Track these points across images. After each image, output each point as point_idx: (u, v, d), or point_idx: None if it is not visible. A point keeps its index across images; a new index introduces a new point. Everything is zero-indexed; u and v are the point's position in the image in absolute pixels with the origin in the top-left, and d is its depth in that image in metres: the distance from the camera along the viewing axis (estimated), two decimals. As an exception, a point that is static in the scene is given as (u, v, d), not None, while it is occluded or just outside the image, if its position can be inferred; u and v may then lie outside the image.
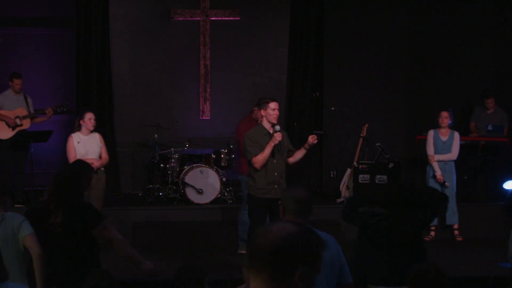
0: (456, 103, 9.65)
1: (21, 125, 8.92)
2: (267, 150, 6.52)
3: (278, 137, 6.50)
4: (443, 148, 8.64)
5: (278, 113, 6.64)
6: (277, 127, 6.57)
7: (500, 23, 10.70)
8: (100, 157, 7.71)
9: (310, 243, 1.96)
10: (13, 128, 8.88)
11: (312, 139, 6.61)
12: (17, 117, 8.90)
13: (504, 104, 9.92)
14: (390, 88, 10.88)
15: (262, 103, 6.74)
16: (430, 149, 8.68)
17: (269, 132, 6.62)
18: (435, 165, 8.62)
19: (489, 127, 9.56)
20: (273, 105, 6.61)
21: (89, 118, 7.60)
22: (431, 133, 8.71)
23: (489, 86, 10.19)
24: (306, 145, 6.69)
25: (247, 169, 7.59)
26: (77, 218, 4.53)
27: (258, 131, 6.70)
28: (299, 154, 6.78)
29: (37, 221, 4.45)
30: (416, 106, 10.87)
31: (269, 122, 6.63)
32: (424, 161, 9.39)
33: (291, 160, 6.82)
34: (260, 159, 6.54)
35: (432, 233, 8.77)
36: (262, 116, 6.81)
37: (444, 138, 8.66)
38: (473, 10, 10.72)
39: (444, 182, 8.59)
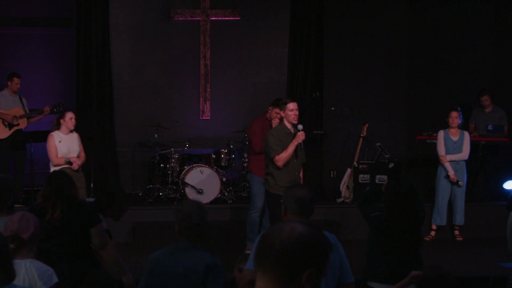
0: (456, 103, 9.64)
1: (18, 124, 8.93)
2: (291, 148, 6.60)
3: (301, 136, 6.61)
4: (454, 148, 8.63)
5: (297, 113, 6.71)
6: (300, 126, 6.66)
7: (500, 23, 10.71)
8: (78, 155, 7.75)
9: (320, 245, 1.96)
10: (10, 128, 8.89)
11: None
12: (14, 116, 8.91)
13: (504, 103, 9.92)
14: (390, 88, 10.88)
15: (281, 104, 6.83)
16: (442, 149, 8.65)
17: (291, 132, 6.70)
18: (448, 165, 8.60)
19: (489, 127, 9.56)
20: (291, 105, 6.69)
21: (70, 118, 7.64)
22: (441, 133, 8.68)
23: (489, 86, 10.20)
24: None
25: (252, 166, 7.63)
26: (76, 216, 4.54)
27: (280, 130, 6.76)
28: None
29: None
30: (416, 106, 10.87)
31: (290, 122, 6.71)
32: (424, 161, 9.40)
33: None
34: (283, 157, 6.60)
35: (432, 233, 8.77)
36: (280, 116, 6.89)
37: (454, 138, 8.64)
38: (472, 10, 10.73)
39: (458, 181, 8.59)
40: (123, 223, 8.54)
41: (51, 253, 4.38)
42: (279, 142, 6.64)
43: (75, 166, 7.53)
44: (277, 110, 7.71)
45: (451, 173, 8.59)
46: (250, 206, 7.90)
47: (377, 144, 9.80)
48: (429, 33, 10.82)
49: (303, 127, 6.85)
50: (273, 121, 7.83)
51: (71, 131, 7.71)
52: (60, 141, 7.59)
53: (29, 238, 3.65)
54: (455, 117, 8.57)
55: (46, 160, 9.82)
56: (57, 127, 7.66)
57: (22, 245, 3.61)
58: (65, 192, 4.58)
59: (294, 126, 6.72)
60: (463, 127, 8.99)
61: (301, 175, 7.02)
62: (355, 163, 9.54)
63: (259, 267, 1.96)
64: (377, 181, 9.42)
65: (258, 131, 7.87)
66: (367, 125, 9.88)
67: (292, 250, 1.91)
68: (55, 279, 3.68)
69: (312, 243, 1.94)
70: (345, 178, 9.71)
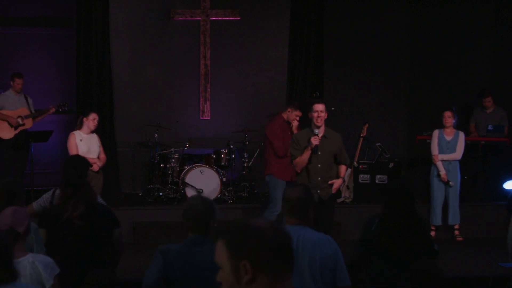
0: (456, 103, 9.65)
1: (23, 124, 8.94)
2: (305, 154, 6.45)
3: (314, 141, 6.42)
4: (447, 148, 8.64)
5: (320, 115, 6.51)
6: (316, 131, 6.49)
7: (500, 23, 10.72)
8: (98, 157, 7.82)
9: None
10: (16, 128, 8.90)
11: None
12: (19, 116, 8.92)
13: (504, 103, 9.92)
14: (390, 88, 10.89)
15: (308, 105, 6.75)
16: (435, 148, 8.67)
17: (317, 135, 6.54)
18: (439, 165, 8.62)
19: (490, 127, 9.56)
20: (315, 107, 6.55)
21: (93, 118, 7.77)
22: (436, 132, 8.71)
23: (489, 86, 10.21)
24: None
25: (275, 169, 7.69)
26: (97, 217, 4.53)
27: (304, 134, 6.64)
28: (343, 170, 6.82)
29: (55, 217, 4.47)
30: (416, 106, 10.88)
31: (314, 124, 6.57)
32: (424, 161, 9.40)
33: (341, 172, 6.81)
34: (298, 162, 6.50)
35: (432, 233, 8.77)
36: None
37: (448, 138, 8.65)
38: (472, 10, 10.74)
39: (448, 181, 8.60)
40: (123, 223, 8.55)
41: (70, 255, 4.36)
42: (298, 146, 6.51)
43: (96, 167, 7.62)
44: (297, 112, 7.79)
45: (442, 172, 8.61)
46: (270, 207, 7.87)
47: (377, 144, 9.80)
48: (429, 33, 10.83)
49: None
50: (292, 124, 7.84)
51: (92, 132, 7.81)
52: (81, 140, 7.69)
53: (24, 232, 3.66)
54: (447, 117, 8.58)
55: (46, 160, 9.87)
56: (79, 126, 7.77)
57: (18, 239, 3.61)
58: (88, 194, 4.57)
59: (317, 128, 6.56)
60: (463, 127, 8.99)
61: (342, 174, 6.77)
62: (355, 163, 9.54)
63: (256, 268, 1.95)
64: (377, 181, 9.43)
65: (280, 134, 7.86)
66: (367, 125, 9.88)
67: (288, 250, 2.00)
68: (57, 269, 3.70)
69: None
70: (345, 178, 9.71)
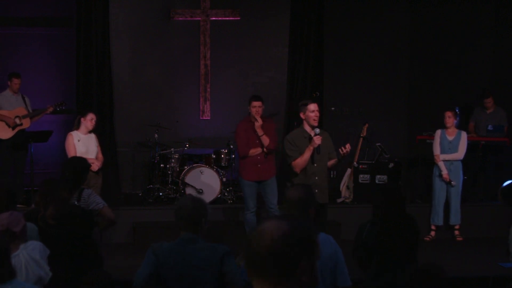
0: (456, 103, 9.66)
1: (21, 124, 8.94)
2: (307, 154, 6.40)
3: (317, 140, 6.38)
4: (449, 148, 8.64)
5: (318, 114, 6.53)
6: (317, 130, 6.44)
7: (500, 23, 10.72)
8: (96, 157, 7.83)
9: (304, 236, 1.91)
10: (13, 128, 8.90)
11: (346, 149, 6.46)
12: (16, 116, 8.92)
13: (504, 104, 9.92)
14: (390, 88, 10.89)
15: (300, 106, 6.66)
16: (436, 148, 8.68)
17: (310, 135, 6.49)
18: (441, 165, 8.62)
19: (489, 127, 9.56)
20: (312, 106, 6.51)
21: (90, 118, 7.77)
22: (438, 132, 8.71)
23: (489, 86, 10.21)
24: (340, 157, 6.61)
25: (240, 170, 7.65)
26: (70, 215, 4.56)
27: (298, 134, 6.60)
28: (332, 162, 6.70)
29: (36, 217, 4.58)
30: (416, 106, 10.88)
31: (309, 125, 6.52)
32: (424, 161, 9.40)
33: (328, 165, 6.70)
34: (299, 162, 6.43)
35: (432, 233, 8.78)
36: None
37: (450, 138, 8.65)
38: (472, 10, 10.74)
39: (450, 181, 8.60)
40: (123, 223, 8.57)
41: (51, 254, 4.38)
42: (295, 148, 6.47)
43: (95, 167, 7.62)
44: (254, 104, 7.55)
45: (444, 172, 8.61)
46: (244, 207, 7.87)
47: (377, 144, 9.80)
48: (429, 33, 10.83)
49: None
50: (255, 121, 7.55)
51: (90, 132, 7.82)
52: (78, 140, 7.69)
53: (20, 231, 3.79)
54: (448, 117, 8.58)
55: (46, 160, 9.86)
56: (77, 126, 7.77)
57: (14, 238, 3.73)
58: (56, 194, 4.65)
59: (313, 128, 6.52)
60: (463, 127, 8.99)
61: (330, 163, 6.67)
62: (355, 163, 9.54)
63: (252, 274, 1.91)
64: (377, 181, 9.42)
65: (241, 133, 7.66)
66: (367, 125, 9.88)
67: (279, 252, 1.87)
68: (47, 250, 3.86)
69: (296, 237, 1.89)
70: (345, 178, 9.70)
